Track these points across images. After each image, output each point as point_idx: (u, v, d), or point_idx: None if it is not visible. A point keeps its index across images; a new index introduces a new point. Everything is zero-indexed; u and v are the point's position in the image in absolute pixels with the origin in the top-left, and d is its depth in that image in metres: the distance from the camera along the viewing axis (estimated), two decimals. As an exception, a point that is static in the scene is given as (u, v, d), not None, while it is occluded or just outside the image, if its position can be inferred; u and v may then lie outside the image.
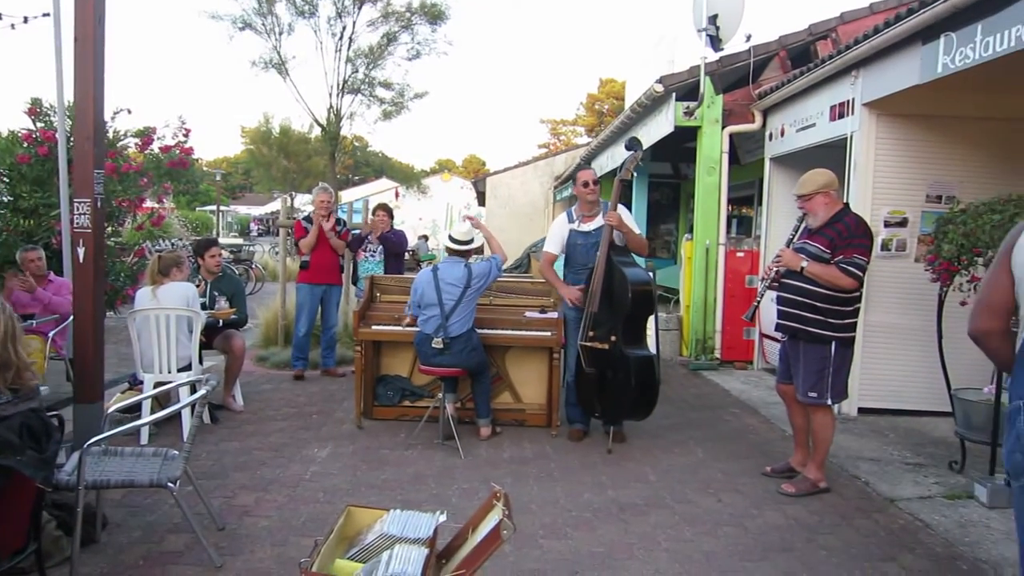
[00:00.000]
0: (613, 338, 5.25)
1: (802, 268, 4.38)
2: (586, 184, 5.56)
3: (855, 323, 4.50)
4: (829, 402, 4.51)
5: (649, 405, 5.38)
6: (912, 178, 6.33)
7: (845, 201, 4.68)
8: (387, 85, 17.98)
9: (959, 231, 4.63)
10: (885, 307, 6.38)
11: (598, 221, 5.52)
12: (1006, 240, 2.39)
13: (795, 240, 4.64)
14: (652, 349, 5.59)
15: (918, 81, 5.44)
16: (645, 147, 10.31)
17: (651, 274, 5.71)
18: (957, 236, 4.62)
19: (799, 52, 9.09)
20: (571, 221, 5.64)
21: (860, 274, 4.32)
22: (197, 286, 5.95)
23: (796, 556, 3.75)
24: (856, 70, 6.37)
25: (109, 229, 8.34)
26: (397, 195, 32.81)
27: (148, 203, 9.78)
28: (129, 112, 9.01)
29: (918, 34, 5.38)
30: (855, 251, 4.28)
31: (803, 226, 4.65)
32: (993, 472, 4.73)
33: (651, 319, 5.61)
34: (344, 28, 17.25)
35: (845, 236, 4.32)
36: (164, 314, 5.31)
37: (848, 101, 6.53)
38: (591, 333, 5.35)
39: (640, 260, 5.78)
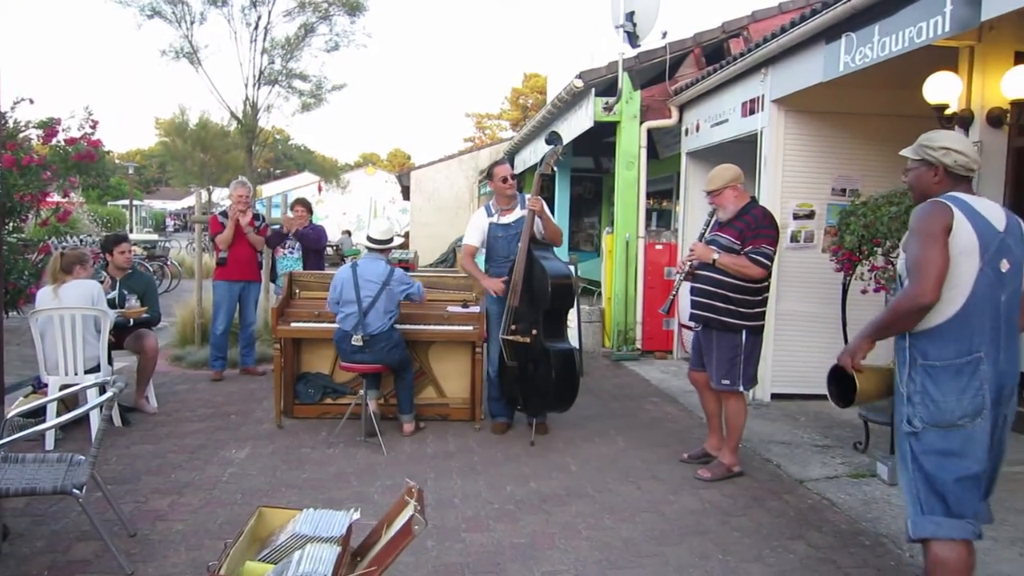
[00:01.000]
0: (534, 332, 5.31)
1: (714, 260, 4.54)
2: (504, 180, 5.57)
3: (764, 312, 4.68)
4: (741, 388, 4.69)
5: (570, 397, 5.45)
6: (818, 172, 6.60)
7: (753, 195, 4.85)
8: (304, 77, 17.56)
9: (860, 223, 4.85)
10: (795, 296, 6.63)
11: (517, 213, 5.55)
12: (936, 221, 2.67)
13: (707, 233, 4.79)
14: (573, 342, 5.67)
15: (822, 79, 5.67)
16: (566, 142, 10.41)
17: (572, 267, 5.79)
18: (858, 227, 4.84)
19: (713, 49, 9.34)
20: (490, 215, 5.65)
21: (768, 263, 4.51)
22: (102, 282, 5.73)
23: (711, 538, 3.88)
24: (765, 68, 6.59)
25: (10, 225, 7.94)
26: (320, 189, 32.24)
27: (54, 198, 9.34)
28: (31, 102, 8.57)
29: (821, 34, 5.61)
30: (763, 241, 4.47)
31: (714, 219, 4.80)
32: (893, 451, 4.97)
33: (572, 312, 5.69)
34: (259, 18, 16.75)
35: (753, 227, 4.50)
36: (68, 314, 5.10)
37: (758, 98, 6.75)
38: (513, 327, 5.39)
39: (564, 253, 5.84)
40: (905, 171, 3.05)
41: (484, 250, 5.73)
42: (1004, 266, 2.72)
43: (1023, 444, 5.49)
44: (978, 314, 2.69)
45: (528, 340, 5.32)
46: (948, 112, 4.90)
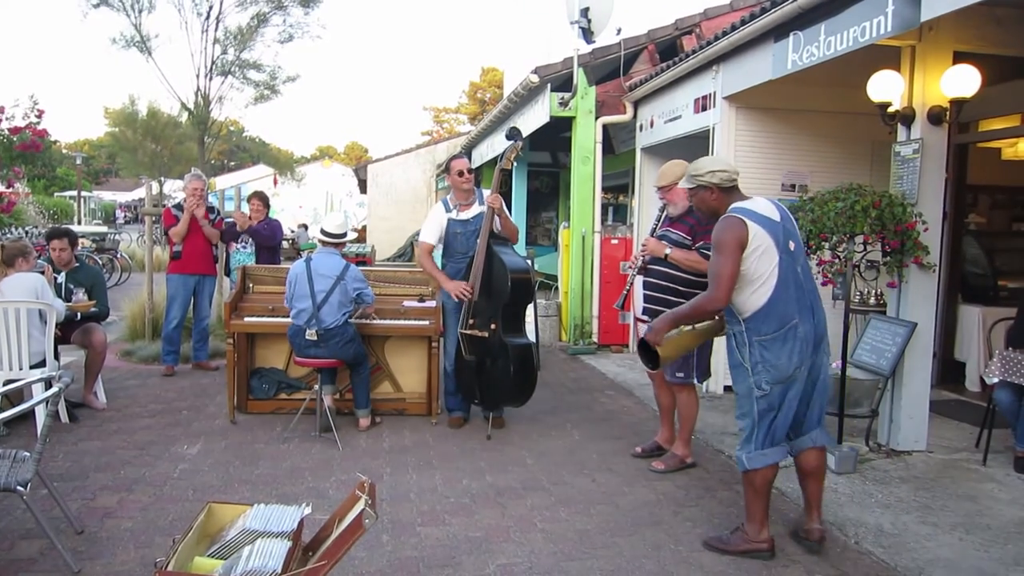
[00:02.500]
0: (493, 326, 5.32)
1: (666, 255, 4.61)
2: (461, 173, 5.53)
3: None
4: (695, 381, 4.78)
5: (527, 391, 5.49)
6: (769, 168, 6.72)
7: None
8: (257, 67, 17.33)
9: (808, 218, 4.96)
10: (746, 290, 6.74)
11: (475, 209, 5.54)
12: (731, 236, 3.36)
13: (658, 228, 4.86)
14: (531, 337, 5.69)
15: (771, 76, 5.78)
16: (523, 137, 10.45)
17: (530, 262, 5.80)
18: (806, 223, 4.95)
19: (667, 46, 9.44)
20: (448, 210, 5.61)
21: None
22: (43, 272, 5.58)
23: (663, 529, 3.95)
24: (717, 65, 6.69)
25: (-49, 216, 7.72)
26: (276, 182, 31.78)
27: (-1, 188, 9.08)
28: (-28, 91, 8.32)
29: (770, 32, 5.71)
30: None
31: (664, 215, 4.88)
32: (841, 441, 5.12)
33: (530, 307, 5.70)
34: (211, 7, 16.47)
35: (704, 223, 4.56)
36: (12, 307, 4.97)
37: (710, 94, 6.85)
38: (471, 321, 5.39)
39: (522, 247, 5.84)
40: (689, 199, 3.82)
41: (441, 245, 5.72)
42: (791, 246, 3.47)
43: (963, 432, 5.70)
44: (785, 291, 3.40)
45: (486, 334, 5.33)
46: (891, 110, 5.04)
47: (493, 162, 11.16)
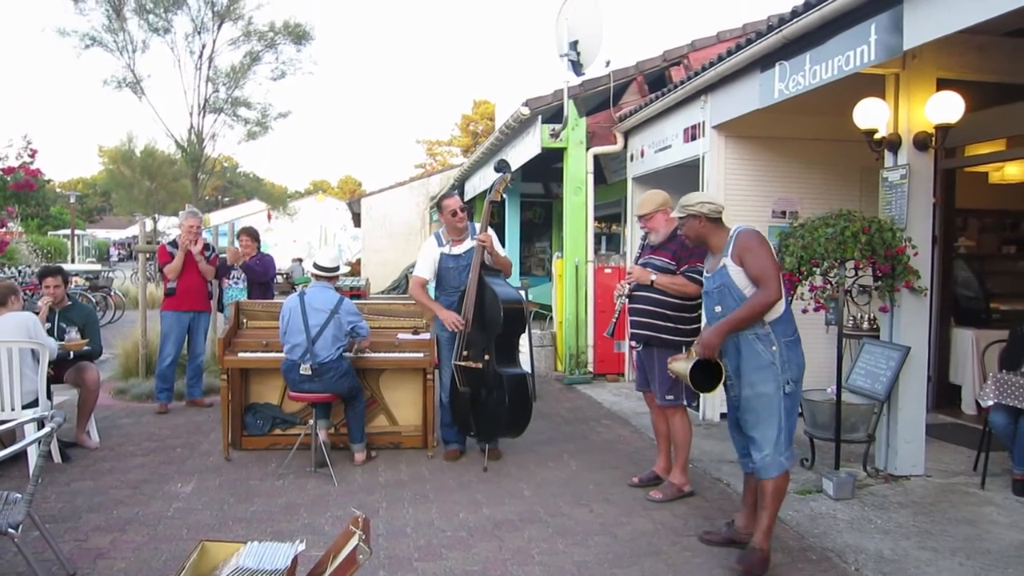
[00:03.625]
0: (487, 357, 5.31)
1: (652, 281, 4.68)
2: (455, 213, 5.55)
3: (699, 328, 4.81)
4: (685, 403, 4.82)
5: (523, 422, 5.46)
6: (759, 195, 6.78)
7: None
8: (248, 105, 17.48)
9: (799, 244, 5.00)
10: (740, 317, 6.76)
11: (468, 244, 5.56)
12: (765, 240, 3.74)
13: (641, 256, 4.92)
14: (525, 367, 5.68)
15: (758, 105, 5.85)
16: (515, 168, 10.52)
17: (524, 292, 5.82)
18: (797, 249, 4.98)
19: (655, 77, 9.57)
20: (441, 244, 5.63)
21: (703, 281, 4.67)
22: (36, 312, 5.57)
23: (663, 559, 3.91)
24: (705, 95, 6.77)
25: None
26: (269, 217, 31.85)
27: (-9, 228, 9.09)
28: (-34, 132, 8.38)
29: (756, 62, 5.80)
30: (697, 260, 4.64)
31: (646, 243, 4.94)
32: (838, 466, 5.10)
33: (524, 336, 5.70)
34: (204, 46, 16.63)
35: (687, 248, 4.64)
36: (5, 347, 4.95)
37: (699, 124, 6.93)
38: (465, 353, 5.39)
39: (516, 278, 5.86)
40: (680, 227, 4.08)
41: (434, 280, 5.72)
42: None
43: (961, 455, 5.69)
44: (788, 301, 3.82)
45: (480, 366, 5.32)
46: (877, 136, 5.10)
47: (486, 193, 11.23)
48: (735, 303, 3.71)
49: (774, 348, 3.68)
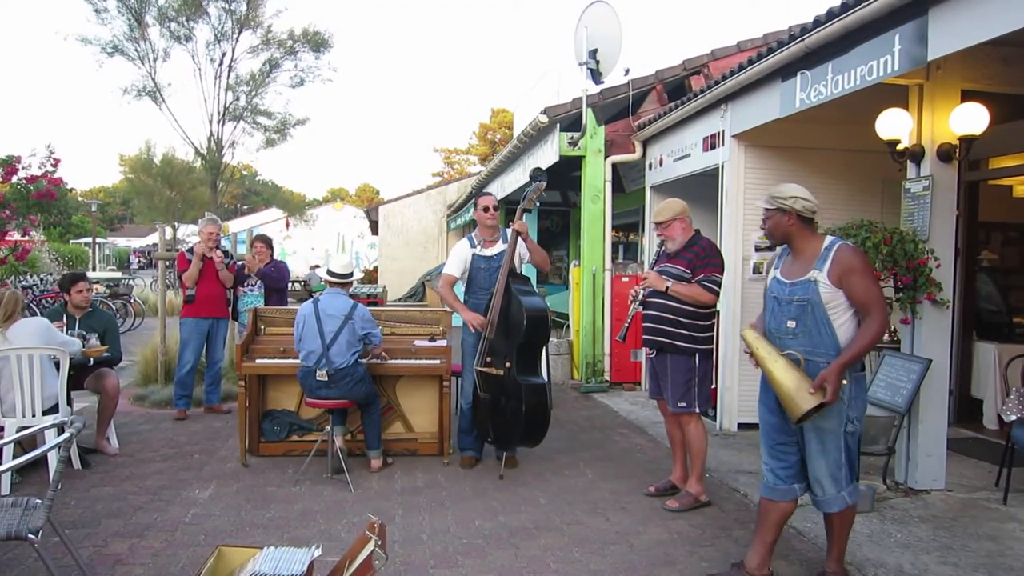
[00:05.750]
0: (508, 364, 5.31)
1: (667, 288, 4.66)
2: (486, 209, 5.63)
3: (712, 336, 4.83)
4: (697, 409, 4.79)
5: (540, 432, 5.44)
6: (779, 205, 6.72)
7: (698, 228, 4.99)
8: (268, 114, 17.64)
9: (819, 255, 4.95)
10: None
11: (499, 246, 5.60)
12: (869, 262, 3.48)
13: (657, 264, 4.92)
14: (545, 376, 5.68)
15: (779, 115, 5.82)
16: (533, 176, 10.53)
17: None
18: (818, 259, 4.93)
19: (675, 86, 9.55)
20: (473, 246, 5.67)
21: (718, 290, 4.73)
22: (55, 324, 5.61)
23: (678, 569, 3.88)
24: (725, 104, 6.75)
25: (-32, 264, 7.82)
26: (288, 225, 32.09)
27: (14, 236, 9.21)
28: (-9, 140, 8.52)
29: (778, 71, 5.77)
30: (712, 270, 4.68)
31: (662, 250, 4.94)
32: (858, 479, 5.02)
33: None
34: (224, 54, 16.82)
35: (702, 257, 4.69)
36: (25, 353, 4.99)
37: (719, 133, 6.90)
38: (488, 359, 5.39)
39: (533, 286, 5.86)
40: (764, 220, 3.59)
41: (463, 281, 5.74)
42: None
43: (982, 470, 5.61)
44: None
45: (501, 373, 5.32)
46: (900, 147, 5.06)
47: (503, 202, 11.23)
48: (816, 325, 3.37)
49: (845, 383, 3.32)
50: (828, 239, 3.44)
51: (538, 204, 5.59)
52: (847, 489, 3.47)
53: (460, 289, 5.77)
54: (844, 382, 3.30)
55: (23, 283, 13.20)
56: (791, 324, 3.44)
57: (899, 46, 4.46)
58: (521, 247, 5.48)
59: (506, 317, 5.34)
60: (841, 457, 3.43)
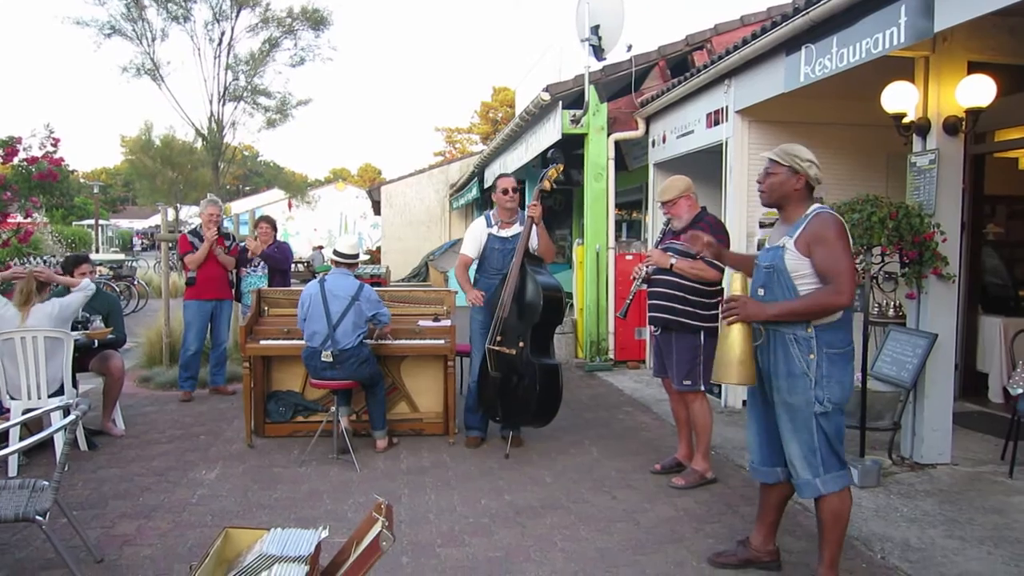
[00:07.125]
0: (521, 344, 5.29)
1: (671, 265, 4.64)
2: (505, 191, 5.60)
3: (718, 314, 4.77)
4: (703, 387, 4.78)
5: (551, 413, 5.44)
6: (783, 181, 6.67)
7: (704, 205, 4.95)
8: (268, 94, 17.52)
9: (824, 230, 4.91)
10: (763, 304, 6.70)
11: (516, 228, 5.57)
12: (846, 232, 3.18)
13: (662, 242, 4.89)
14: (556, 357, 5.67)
15: (783, 89, 5.76)
16: (535, 155, 10.48)
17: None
18: (823, 235, 4.90)
19: (677, 62, 9.46)
20: (490, 225, 5.65)
21: (723, 267, 4.64)
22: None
23: (685, 546, 3.89)
24: (729, 79, 6.69)
25: (-30, 246, 7.81)
26: (291, 205, 32.02)
27: (16, 218, 9.17)
28: (-10, 122, 8.46)
29: (782, 46, 5.71)
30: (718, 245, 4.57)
31: (668, 228, 4.91)
32: (863, 454, 5.05)
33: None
34: (223, 33, 16.67)
35: (708, 234, 4.59)
36: (30, 335, 5.00)
37: (722, 108, 6.84)
38: (499, 338, 5.37)
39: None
40: (766, 173, 3.34)
41: (477, 261, 5.73)
42: None
43: (988, 444, 5.61)
44: (851, 309, 3.23)
45: (514, 352, 5.31)
46: (906, 121, 5.00)
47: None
48: (783, 293, 3.19)
49: (812, 357, 3.13)
50: (813, 207, 3.24)
51: (555, 186, 5.55)
52: (824, 477, 3.18)
53: (473, 269, 5.75)
54: (812, 356, 3.13)
55: (26, 264, 13.19)
56: (760, 291, 3.29)
57: (905, 18, 4.40)
58: (532, 233, 5.43)
59: (521, 297, 5.31)
60: (814, 441, 3.17)
